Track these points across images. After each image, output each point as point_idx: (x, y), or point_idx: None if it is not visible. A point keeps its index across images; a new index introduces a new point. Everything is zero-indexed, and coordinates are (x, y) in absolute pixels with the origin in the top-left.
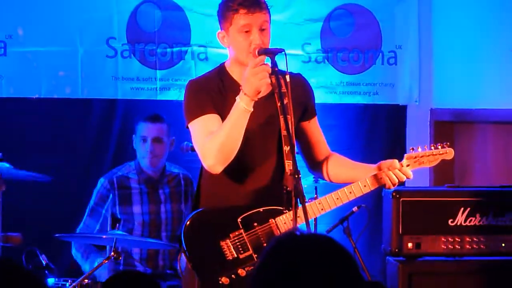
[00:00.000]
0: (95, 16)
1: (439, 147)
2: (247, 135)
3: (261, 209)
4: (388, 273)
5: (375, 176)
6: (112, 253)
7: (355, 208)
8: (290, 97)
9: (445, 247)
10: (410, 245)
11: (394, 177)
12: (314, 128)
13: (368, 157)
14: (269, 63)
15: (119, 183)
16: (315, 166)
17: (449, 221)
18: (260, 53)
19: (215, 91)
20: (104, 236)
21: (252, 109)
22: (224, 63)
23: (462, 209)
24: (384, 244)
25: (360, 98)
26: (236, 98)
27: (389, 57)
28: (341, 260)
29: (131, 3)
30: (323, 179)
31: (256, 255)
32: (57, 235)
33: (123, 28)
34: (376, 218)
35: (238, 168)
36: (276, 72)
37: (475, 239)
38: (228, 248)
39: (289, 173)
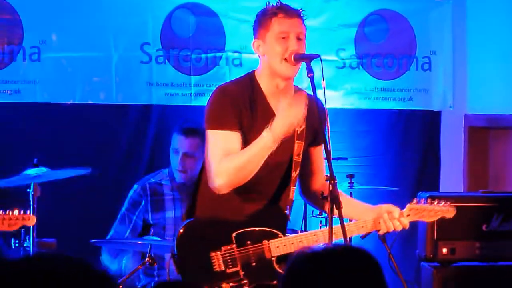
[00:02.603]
0: (129, 22)
1: (442, 203)
2: None
3: (256, 229)
4: (422, 278)
5: (374, 220)
6: (147, 259)
7: None
8: (328, 122)
9: (479, 252)
10: (444, 250)
11: (391, 224)
12: (319, 155)
13: (402, 163)
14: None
15: (152, 190)
16: (309, 193)
17: (483, 226)
18: (296, 59)
19: (245, 104)
20: (139, 242)
21: (275, 147)
22: (254, 72)
23: (496, 214)
24: (419, 249)
25: (394, 104)
26: (264, 131)
27: (423, 62)
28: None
29: (166, 9)
30: (313, 206)
31: (243, 273)
32: (92, 240)
33: (157, 34)
34: (411, 223)
35: (243, 185)
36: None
37: (509, 244)
38: (218, 260)
39: (292, 199)
